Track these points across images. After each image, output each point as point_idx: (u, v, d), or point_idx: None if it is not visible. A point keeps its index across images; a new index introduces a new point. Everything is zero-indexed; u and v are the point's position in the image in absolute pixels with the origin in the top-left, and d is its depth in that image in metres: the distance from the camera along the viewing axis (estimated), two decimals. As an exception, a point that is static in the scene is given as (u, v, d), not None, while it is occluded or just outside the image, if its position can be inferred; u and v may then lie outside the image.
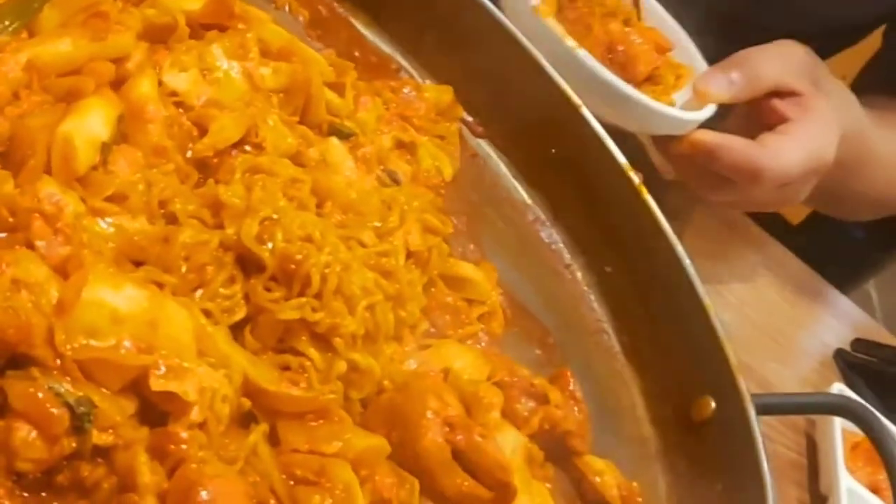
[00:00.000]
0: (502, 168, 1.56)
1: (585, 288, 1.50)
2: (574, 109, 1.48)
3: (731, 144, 1.67)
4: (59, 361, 0.89)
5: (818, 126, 1.72)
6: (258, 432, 0.99)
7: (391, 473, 1.05)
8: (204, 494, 0.88)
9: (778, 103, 1.73)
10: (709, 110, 1.71)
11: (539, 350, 1.39)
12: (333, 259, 1.07)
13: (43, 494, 0.88)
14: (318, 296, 1.06)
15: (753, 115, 1.77)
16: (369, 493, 1.00)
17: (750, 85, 1.72)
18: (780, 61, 1.75)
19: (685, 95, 1.76)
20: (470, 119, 1.57)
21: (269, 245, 1.06)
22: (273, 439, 1.01)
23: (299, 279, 1.06)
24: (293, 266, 1.05)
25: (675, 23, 1.86)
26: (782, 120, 1.72)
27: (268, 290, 1.06)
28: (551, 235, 1.53)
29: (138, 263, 1.04)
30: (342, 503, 0.96)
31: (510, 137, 1.56)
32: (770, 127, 1.72)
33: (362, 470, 1.01)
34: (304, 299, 1.05)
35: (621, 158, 1.47)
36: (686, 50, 1.83)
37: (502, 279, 1.39)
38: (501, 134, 1.57)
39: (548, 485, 1.21)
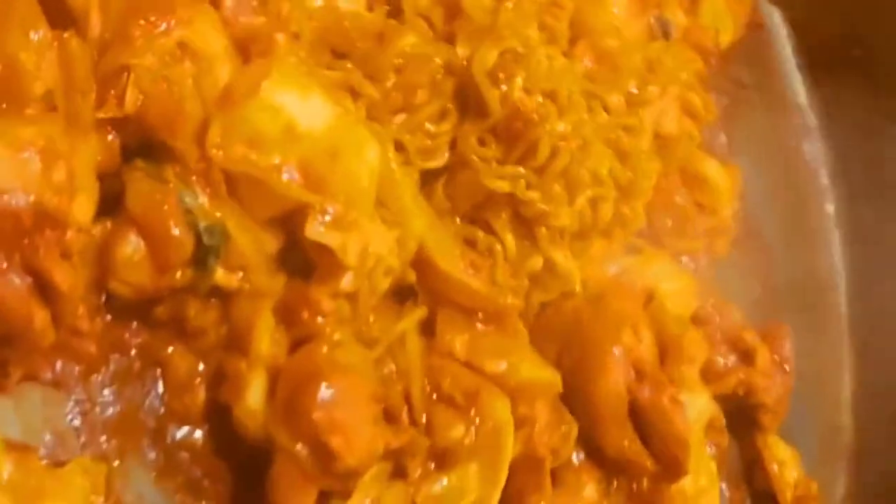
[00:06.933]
0: (787, 51, 1.27)
1: (833, 226, 1.23)
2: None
3: None
4: (203, 165, 0.69)
5: None
6: (412, 318, 0.79)
7: (551, 408, 0.84)
8: (324, 390, 0.69)
9: None
10: None
11: (760, 290, 1.14)
12: (573, 132, 0.83)
13: (134, 325, 0.70)
14: (539, 170, 0.83)
15: None
16: (521, 441, 0.79)
17: None
18: None
19: None
20: (771, -23, 1.27)
21: (503, 87, 0.82)
22: (428, 330, 0.80)
23: (525, 143, 0.82)
24: (522, 124, 0.82)
25: None
26: None
27: (482, 143, 0.83)
28: (814, 150, 1.25)
29: (339, 56, 0.82)
30: (483, 447, 0.76)
31: (811, 17, 1.26)
32: None
33: (521, 406, 0.80)
34: (521, 169, 0.82)
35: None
36: None
37: (744, 188, 1.14)
38: (805, 7, 1.27)
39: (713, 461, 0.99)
